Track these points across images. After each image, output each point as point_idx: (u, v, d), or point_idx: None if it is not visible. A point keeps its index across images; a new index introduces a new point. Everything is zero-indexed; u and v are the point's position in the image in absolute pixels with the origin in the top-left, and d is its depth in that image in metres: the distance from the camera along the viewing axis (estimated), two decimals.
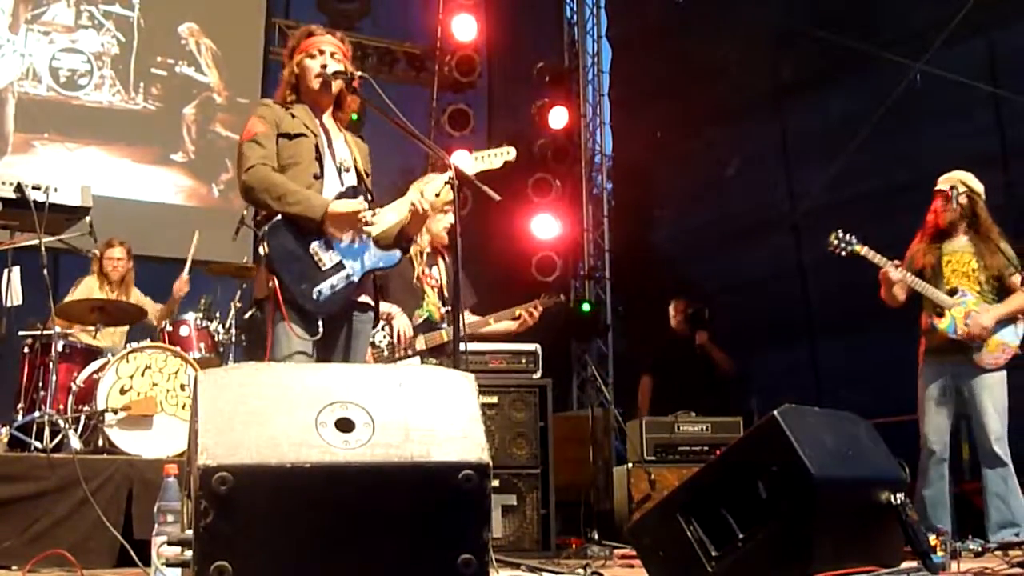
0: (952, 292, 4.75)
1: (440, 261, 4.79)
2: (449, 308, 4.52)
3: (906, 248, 5.00)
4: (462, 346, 3.20)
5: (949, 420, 4.74)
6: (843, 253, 4.84)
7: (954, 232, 4.84)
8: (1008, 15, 7.03)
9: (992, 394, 4.65)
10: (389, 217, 3.40)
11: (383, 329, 4.44)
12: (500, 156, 3.63)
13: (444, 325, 4.62)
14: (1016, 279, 4.72)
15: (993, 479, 4.60)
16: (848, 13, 7.86)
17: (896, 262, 4.77)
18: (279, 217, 3.26)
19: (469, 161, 3.58)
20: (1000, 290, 4.78)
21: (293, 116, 3.39)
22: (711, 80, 8.92)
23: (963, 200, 4.79)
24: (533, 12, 10.33)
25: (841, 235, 4.80)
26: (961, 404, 4.77)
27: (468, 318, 4.45)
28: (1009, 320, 4.72)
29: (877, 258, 4.78)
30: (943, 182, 4.85)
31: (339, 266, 3.31)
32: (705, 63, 8.98)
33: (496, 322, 4.83)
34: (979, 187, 4.82)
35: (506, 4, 9.49)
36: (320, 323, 3.27)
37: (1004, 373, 4.70)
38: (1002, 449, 4.59)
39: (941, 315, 4.73)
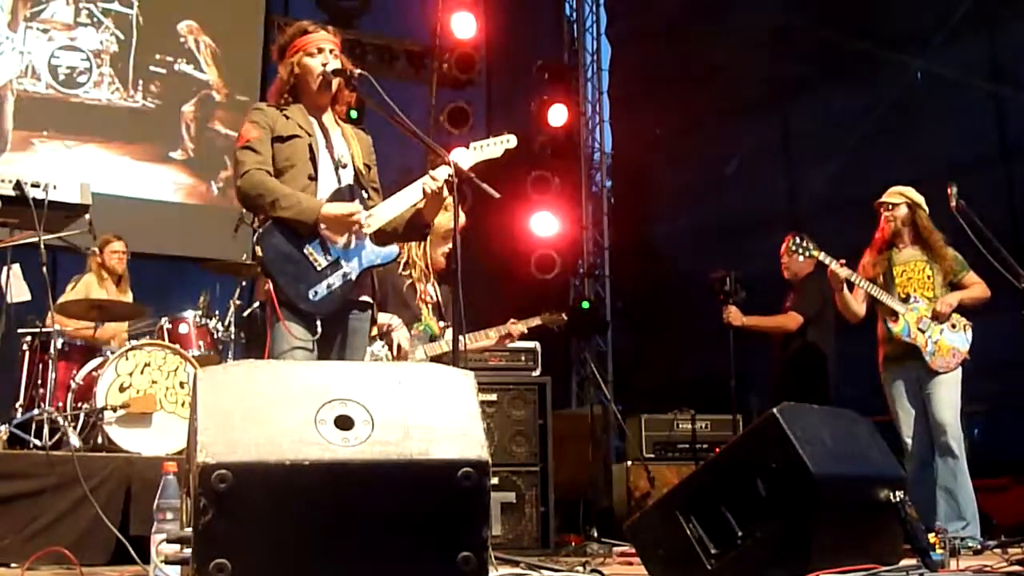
0: (905, 299, 4.87)
1: (434, 280, 4.74)
2: (445, 324, 4.51)
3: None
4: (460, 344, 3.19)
5: (922, 420, 4.80)
6: (800, 258, 5.06)
7: (900, 243, 4.99)
8: (1009, 14, 7.03)
9: (947, 390, 4.75)
10: (388, 211, 3.38)
11: (382, 340, 4.42)
12: (500, 144, 3.53)
13: (443, 340, 4.58)
14: (968, 278, 4.88)
15: (944, 473, 4.68)
16: (848, 11, 7.86)
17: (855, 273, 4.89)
18: (270, 221, 3.26)
19: (468, 152, 3.52)
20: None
21: (287, 117, 3.38)
22: (711, 78, 8.92)
23: (904, 211, 4.94)
24: (532, 9, 10.32)
25: (798, 240, 4.92)
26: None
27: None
28: (959, 327, 4.82)
29: (834, 263, 4.86)
30: (885, 196, 5.01)
31: (336, 265, 3.28)
32: (705, 61, 8.98)
33: (496, 336, 4.85)
34: (920, 199, 4.97)
35: (505, 1, 9.48)
36: (319, 323, 3.27)
37: (959, 373, 4.80)
38: (955, 443, 4.66)
39: (896, 319, 4.83)
